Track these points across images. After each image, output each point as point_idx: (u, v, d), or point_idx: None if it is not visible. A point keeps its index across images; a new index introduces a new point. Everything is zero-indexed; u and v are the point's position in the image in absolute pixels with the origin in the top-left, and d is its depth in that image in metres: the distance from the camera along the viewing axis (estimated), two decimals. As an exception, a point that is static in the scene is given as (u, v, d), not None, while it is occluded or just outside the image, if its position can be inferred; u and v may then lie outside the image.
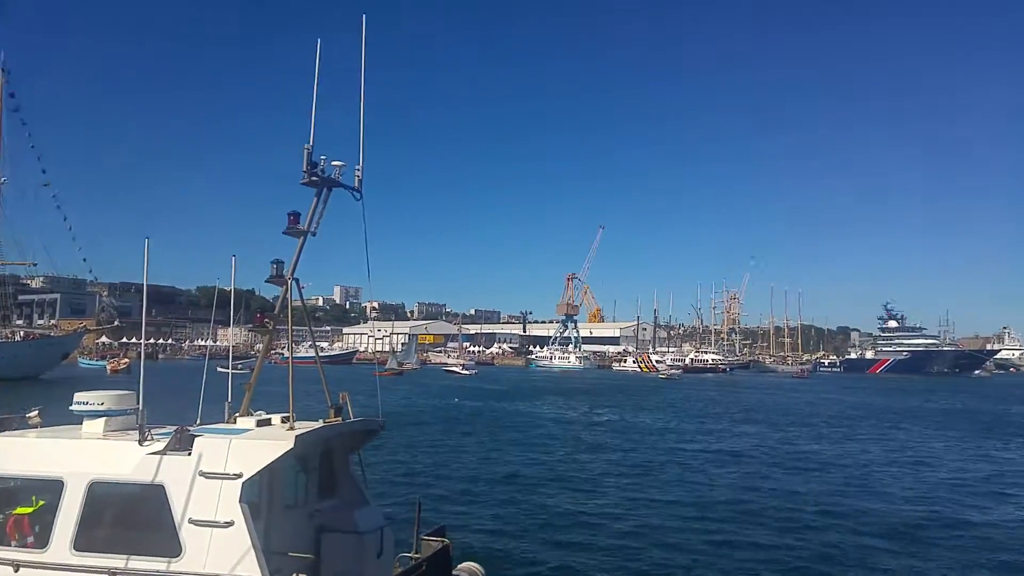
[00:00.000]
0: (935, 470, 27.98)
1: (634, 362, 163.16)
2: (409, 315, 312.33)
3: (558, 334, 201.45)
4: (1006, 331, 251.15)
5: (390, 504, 17.94)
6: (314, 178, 8.92)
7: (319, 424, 8.70)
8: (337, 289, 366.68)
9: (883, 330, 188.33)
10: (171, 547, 7.13)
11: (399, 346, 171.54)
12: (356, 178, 9.41)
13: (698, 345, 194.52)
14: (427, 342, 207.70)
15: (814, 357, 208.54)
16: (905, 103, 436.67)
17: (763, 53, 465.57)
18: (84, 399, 8.29)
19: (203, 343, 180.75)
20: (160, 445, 7.58)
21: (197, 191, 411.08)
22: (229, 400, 9.03)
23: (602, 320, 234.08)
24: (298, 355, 9.76)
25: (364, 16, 9.77)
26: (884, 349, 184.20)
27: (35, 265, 79.50)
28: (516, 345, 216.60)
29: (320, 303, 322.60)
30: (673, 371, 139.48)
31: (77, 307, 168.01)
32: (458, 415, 46.60)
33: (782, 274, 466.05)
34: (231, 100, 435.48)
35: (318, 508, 9.08)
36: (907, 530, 18.05)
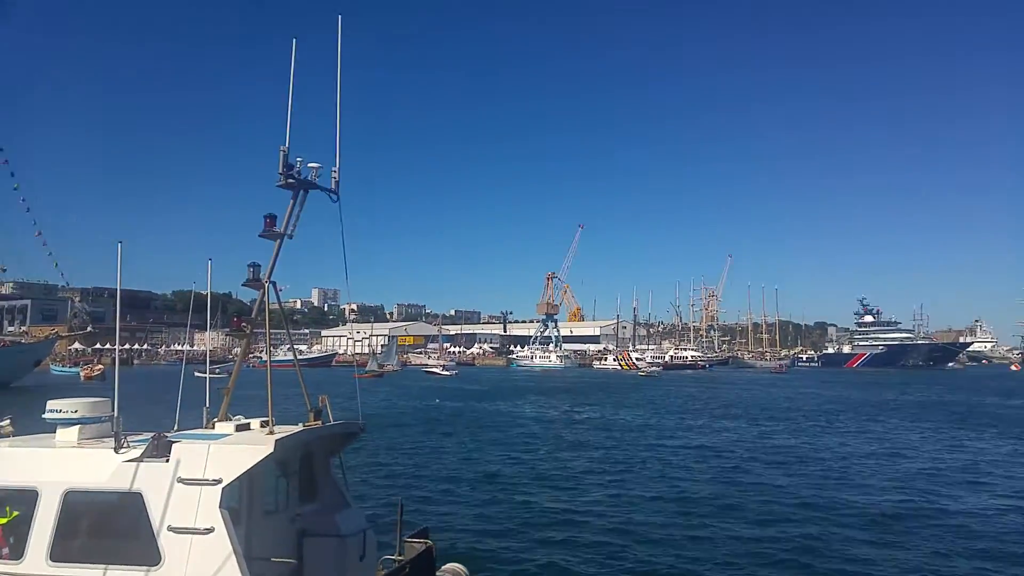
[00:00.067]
0: (912, 461, 28.40)
1: (614, 360, 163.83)
2: (388, 317, 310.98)
3: (539, 334, 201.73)
4: (978, 324, 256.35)
5: (372, 507, 17.85)
6: (290, 180, 8.82)
7: (299, 428, 8.62)
8: (315, 291, 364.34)
9: (859, 325, 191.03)
10: (150, 555, 7.02)
11: (379, 348, 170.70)
12: (333, 180, 9.33)
13: (677, 342, 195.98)
14: (407, 343, 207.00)
15: (792, 352, 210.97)
16: (880, 103, 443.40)
17: (730, 54, 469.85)
18: (57, 407, 8.12)
19: (180, 348, 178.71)
20: (137, 452, 7.46)
21: (172, 194, 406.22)
22: (207, 405, 8.92)
23: (582, 319, 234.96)
24: (276, 358, 9.69)
25: (340, 17, 9.70)
26: (860, 343, 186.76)
27: (4, 271, 78.03)
28: (497, 345, 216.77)
29: (298, 306, 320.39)
30: (653, 368, 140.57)
31: (48, 313, 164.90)
32: (439, 416, 46.47)
33: (759, 271, 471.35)
34: (206, 102, 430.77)
35: (299, 512, 9.00)
36: (885, 521, 18.29)
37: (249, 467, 7.28)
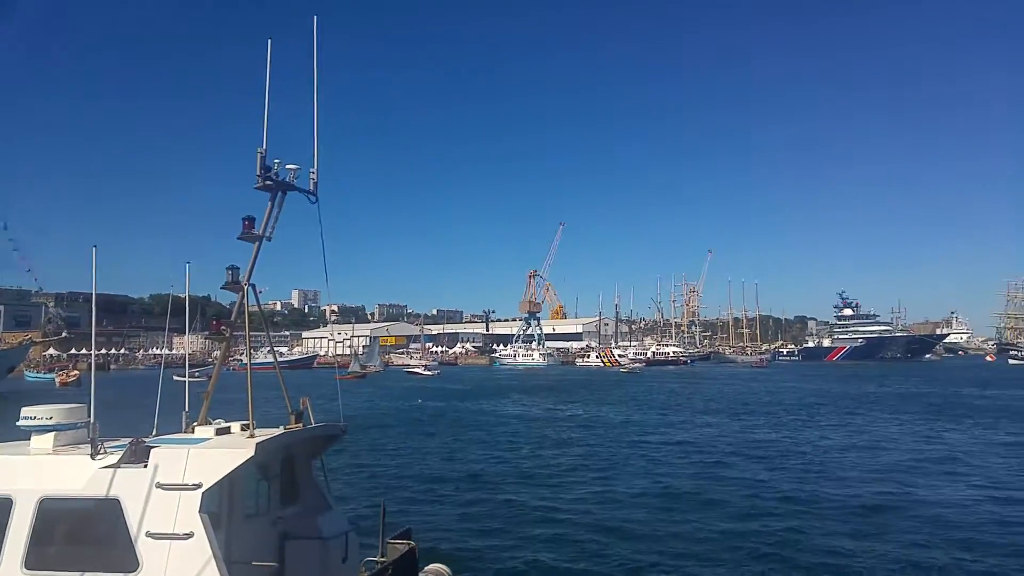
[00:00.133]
0: (891, 453, 28.78)
1: (597, 357, 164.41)
2: (370, 317, 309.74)
3: (521, 332, 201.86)
4: (954, 315, 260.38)
5: (354, 508, 17.78)
6: (268, 182, 8.79)
7: (280, 431, 8.58)
8: (295, 293, 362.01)
9: (839, 318, 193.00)
10: (128, 562, 6.96)
11: (360, 349, 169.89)
12: (311, 181, 9.31)
13: (659, 338, 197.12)
14: (389, 344, 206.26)
15: (772, 347, 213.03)
16: (858, 98, 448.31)
17: (710, 52, 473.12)
18: (32, 413, 8.01)
19: (158, 352, 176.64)
20: (114, 458, 7.38)
21: (148, 197, 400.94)
22: (187, 409, 8.85)
23: (564, 317, 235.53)
24: (257, 361, 9.62)
25: (315, 18, 9.67)
26: (840, 337, 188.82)
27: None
28: (479, 344, 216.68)
29: (278, 307, 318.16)
30: (635, 365, 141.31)
31: (22, 319, 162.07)
32: (421, 416, 46.38)
33: (740, 266, 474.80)
34: (182, 104, 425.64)
35: (281, 515, 8.96)
36: (866, 513, 18.53)
37: (229, 471, 7.25)
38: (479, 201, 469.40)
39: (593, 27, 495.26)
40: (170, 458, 7.28)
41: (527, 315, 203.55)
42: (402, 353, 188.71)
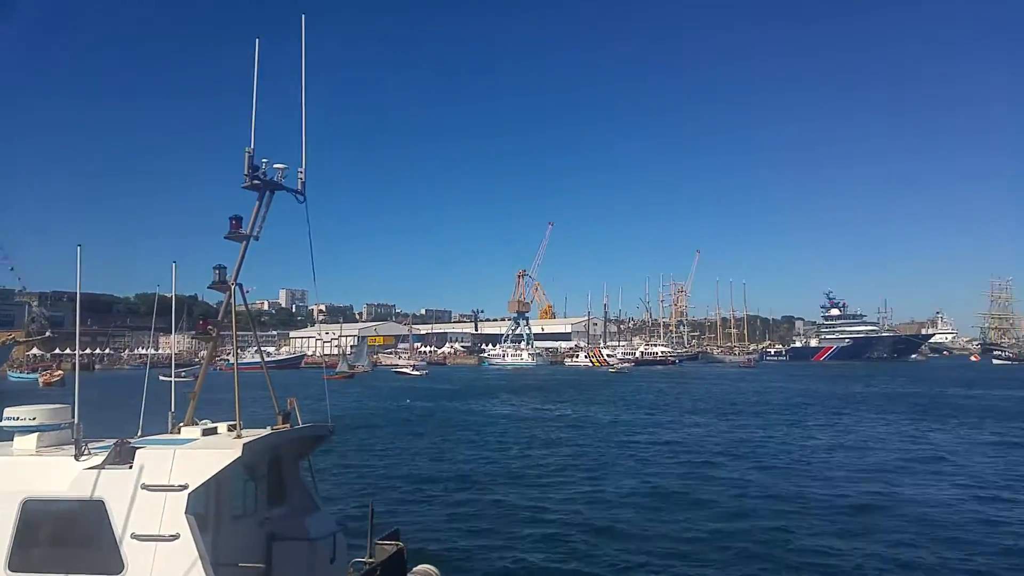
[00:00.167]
0: (878, 452, 28.99)
1: (586, 357, 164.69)
2: (358, 317, 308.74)
3: (510, 332, 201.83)
4: (939, 315, 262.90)
5: (342, 509, 17.72)
6: (256, 181, 8.76)
7: (267, 431, 8.53)
8: (283, 292, 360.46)
9: (826, 318, 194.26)
10: (113, 563, 6.89)
11: (348, 349, 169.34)
12: (299, 180, 9.29)
13: (648, 338, 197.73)
14: (377, 344, 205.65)
15: (760, 347, 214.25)
16: (848, 99, 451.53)
17: (703, 51, 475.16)
18: (14, 414, 7.91)
19: (144, 352, 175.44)
20: (98, 459, 7.31)
21: (134, 196, 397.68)
22: (172, 410, 8.78)
23: (553, 316, 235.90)
24: (244, 361, 9.58)
25: (303, 16, 9.64)
26: (827, 337, 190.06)
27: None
28: (468, 344, 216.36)
29: (266, 307, 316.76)
30: (624, 365, 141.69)
31: (5, 318, 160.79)
32: (409, 416, 46.29)
33: (727, 266, 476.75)
34: (168, 104, 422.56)
35: (268, 516, 8.91)
36: (853, 512, 18.64)
37: (216, 472, 7.20)
38: (468, 200, 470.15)
39: (582, 27, 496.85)
40: (156, 459, 7.22)
41: (516, 315, 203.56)
42: (390, 353, 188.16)
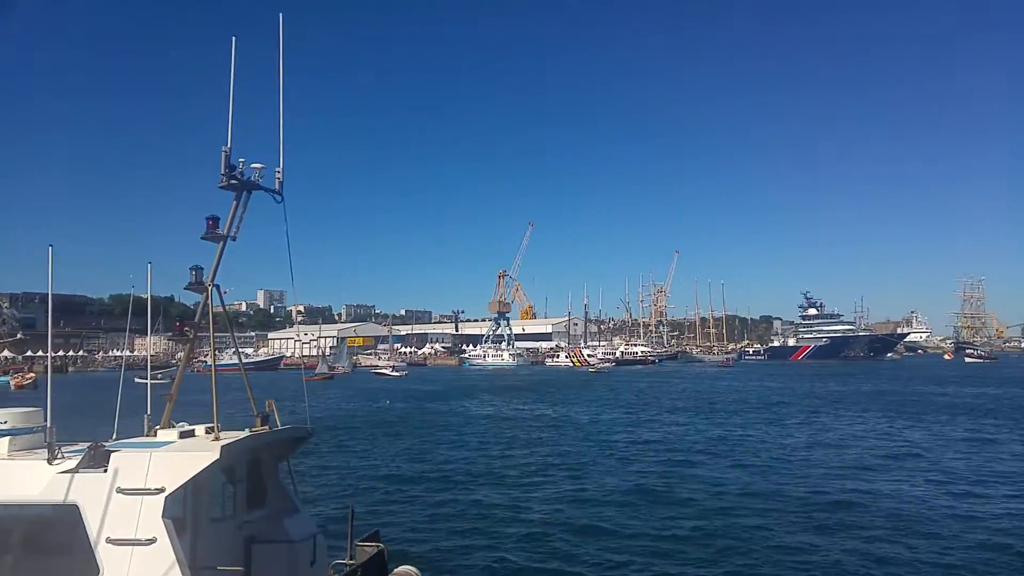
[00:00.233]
0: (854, 450, 29.38)
1: (566, 357, 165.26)
2: (337, 318, 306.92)
3: (491, 332, 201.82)
4: (914, 315, 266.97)
5: (322, 511, 17.62)
6: (233, 181, 8.71)
7: (245, 433, 8.46)
8: (261, 293, 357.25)
9: (803, 318, 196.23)
10: (87, 568, 6.82)
11: (327, 350, 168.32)
12: (277, 180, 9.25)
13: (628, 338, 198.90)
14: (357, 345, 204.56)
15: (739, 346, 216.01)
16: (819, 97, 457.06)
17: (667, 52, 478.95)
18: None
19: (118, 354, 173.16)
20: (72, 463, 7.22)
21: (108, 195, 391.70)
22: (148, 412, 8.68)
23: (534, 317, 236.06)
24: (221, 363, 9.49)
25: (280, 15, 9.60)
26: (805, 336, 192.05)
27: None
28: (449, 345, 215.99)
29: (243, 308, 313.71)
30: (604, 364, 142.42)
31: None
32: (390, 418, 46.09)
33: (706, 267, 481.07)
34: (143, 104, 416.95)
35: (247, 519, 8.84)
36: (830, 508, 18.88)
37: (194, 475, 7.14)
38: (448, 200, 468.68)
39: (562, 27, 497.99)
40: (131, 463, 7.14)
41: (497, 315, 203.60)
42: (370, 354, 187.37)
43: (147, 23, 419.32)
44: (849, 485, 21.96)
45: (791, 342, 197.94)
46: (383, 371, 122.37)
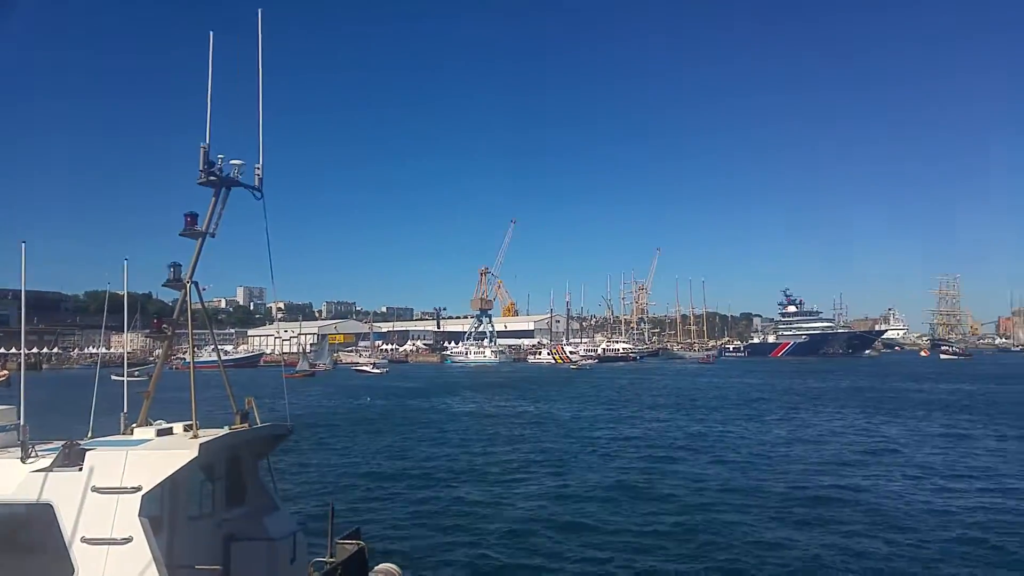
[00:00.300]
0: (833, 445, 29.72)
1: (548, 354, 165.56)
2: (317, 315, 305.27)
3: (473, 329, 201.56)
4: (891, 312, 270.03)
5: (302, 509, 17.50)
6: (211, 177, 8.63)
7: (224, 431, 8.38)
8: (240, 290, 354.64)
9: (783, 315, 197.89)
10: (62, 568, 6.72)
11: (308, 347, 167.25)
12: (256, 177, 9.19)
13: (609, 335, 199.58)
14: (338, 342, 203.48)
15: (719, 343, 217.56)
16: (802, 97, 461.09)
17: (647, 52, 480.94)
18: None
19: (94, 351, 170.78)
20: (46, 461, 7.11)
21: (83, 190, 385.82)
22: (125, 410, 8.57)
23: (516, 314, 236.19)
24: (200, 360, 9.40)
25: (260, 11, 9.53)
26: (784, 333, 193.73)
27: None
28: (431, 342, 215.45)
29: (223, 305, 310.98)
30: (586, 361, 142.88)
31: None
32: (370, 415, 45.92)
33: (687, 264, 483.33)
34: (119, 101, 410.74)
35: (226, 517, 8.75)
36: (810, 503, 19.09)
37: (171, 473, 7.05)
38: (429, 197, 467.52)
39: (546, 25, 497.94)
40: (107, 461, 7.04)
41: (479, 312, 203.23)
42: (351, 351, 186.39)
43: (132, 17, 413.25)
44: (828, 480, 22.21)
45: (771, 339, 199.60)
46: (364, 368, 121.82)
